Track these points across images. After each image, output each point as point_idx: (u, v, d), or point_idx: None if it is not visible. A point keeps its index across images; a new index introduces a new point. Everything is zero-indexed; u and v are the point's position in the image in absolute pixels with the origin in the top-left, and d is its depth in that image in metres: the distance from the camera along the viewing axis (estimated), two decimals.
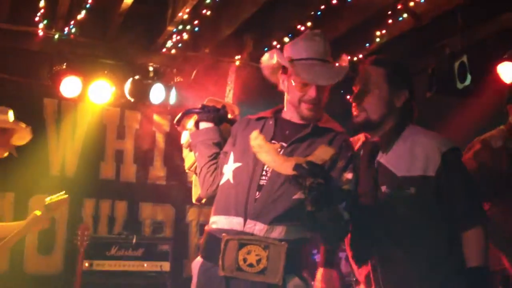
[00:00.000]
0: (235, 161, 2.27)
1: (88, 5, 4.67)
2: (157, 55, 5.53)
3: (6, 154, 3.59)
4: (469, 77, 4.42)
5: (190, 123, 2.54)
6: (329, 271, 2.56)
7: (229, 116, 2.55)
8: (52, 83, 5.18)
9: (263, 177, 2.19)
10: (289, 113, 2.37)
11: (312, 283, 2.23)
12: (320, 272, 2.58)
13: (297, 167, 1.94)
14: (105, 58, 5.44)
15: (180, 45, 5.22)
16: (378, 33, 5.06)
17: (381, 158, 2.34)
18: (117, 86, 5.34)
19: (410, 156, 2.27)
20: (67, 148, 5.66)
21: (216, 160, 2.39)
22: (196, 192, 2.54)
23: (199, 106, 2.52)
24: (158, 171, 6.06)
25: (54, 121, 5.62)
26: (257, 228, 2.12)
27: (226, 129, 2.50)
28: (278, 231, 2.12)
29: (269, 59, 2.37)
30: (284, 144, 2.25)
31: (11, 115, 3.65)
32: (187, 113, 2.55)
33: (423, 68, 4.98)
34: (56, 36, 5.13)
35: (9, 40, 5.17)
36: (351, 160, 2.26)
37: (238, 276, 2.11)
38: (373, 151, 2.37)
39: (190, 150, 2.53)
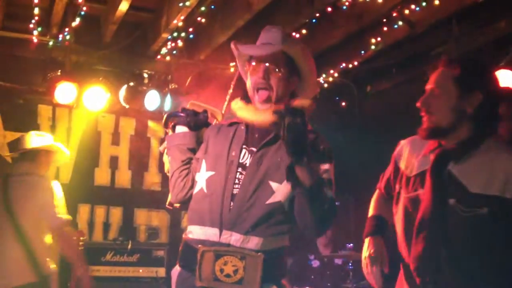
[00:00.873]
0: (207, 169, 2.25)
1: (82, 13, 4.65)
2: (152, 62, 5.54)
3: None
4: None
5: None
6: (376, 238, 2.41)
7: (214, 121, 2.52)
8: (47, 89, 5.18)
9: (236, 186, 2.17)
10: None
11: None
12: (366, 241, 2.42)
13: (276, 111, 1.93)
14: (100, 65, 5.44)
15: (174, 52, 5.21)
16: (373, 40, 5.06)
17: (453, 168, 2.13)
18: (112, 92, 5.32)
19: (487, 173, 2.06)
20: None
21: (189, 165, 2.37)
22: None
23: (179, 109, 2.50)
24: (153, 177, 6.05)
25: (49, 128, 5.60)
26: (233, 238, 2.11)
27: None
28: (255, 242, 2.10)
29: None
30: (254, 149, 2.22)
31: (50, 138, 4.10)
32: (172, 116, 2.51)
33: (419, 76, 4.99)
34: (51, 43, 5.13)
35: (3, 47, 5.18)
36: (324, 153, 2.19)
37: (216, 287, 2.10)
38: (444, 159, 2.17)
39: (167, 154, 2.51)
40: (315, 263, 5.35)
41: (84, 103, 5.27)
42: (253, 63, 2.25)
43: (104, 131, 5.90)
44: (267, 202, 2.12)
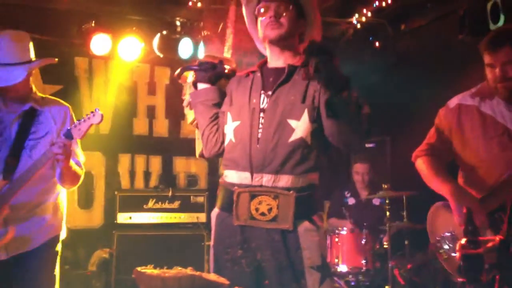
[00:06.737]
0: (233, 119, 2.36)
1: None
2: (184, 9, 5.50)
3: None
4: (502, 18, 4.31)
5: (190, 76, 2.58)
6: None
7: (228, 69, 2.56)
8: (82, 41, 5.24)
9: (260, 130, 2.28)
10: (271, 61, 2.42)
11: (320, 224, 2.27)
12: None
13: (305, 49, 2.08)
14: (133, 15, 5.44)
15: None
16: None
17: None
18: (146, 42, 5.37)
19: None
20: (100, 105, 5.69)
21: (216, 120, 2.46)
22: (199, 146, 2.61)
23: (196, 62, 2.55)
24: (190, 125, 6.12)
25: (86, 80, 5.71)
26: (265, 179, 2.24)
27: (225, 84, 2.54)
28: (285, 180, 2.22)
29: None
30: (270, 93, 2.32)
31: None
32: (187, 69, 2.56)
33: (455, 9, 4.86)
34: None
35: (38, 0, 5.21)
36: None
37: (252, 225, 2.25)
38: None
39: (190, 109, 2.59)
40: (351, 201, 5.39)
41: (119, 54, 5.34)
42: (261, 7, 2.32)
43: (140, 81, 5.99)
44: (290, 140, 2.23)
